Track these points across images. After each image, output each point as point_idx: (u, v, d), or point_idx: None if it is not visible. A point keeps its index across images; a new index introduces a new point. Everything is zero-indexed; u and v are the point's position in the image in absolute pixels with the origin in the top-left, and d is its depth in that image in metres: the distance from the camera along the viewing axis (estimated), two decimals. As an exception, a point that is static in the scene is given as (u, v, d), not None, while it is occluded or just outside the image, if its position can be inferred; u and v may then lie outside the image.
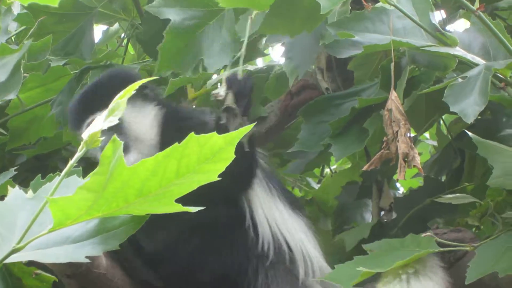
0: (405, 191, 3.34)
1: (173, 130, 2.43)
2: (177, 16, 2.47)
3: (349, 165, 3.40)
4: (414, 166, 2.07)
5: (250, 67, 2.96)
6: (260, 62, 3.39)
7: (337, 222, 3.08)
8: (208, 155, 1.36)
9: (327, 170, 3.71)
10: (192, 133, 1.33)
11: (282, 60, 2.68)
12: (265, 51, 3.04)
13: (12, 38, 3.08)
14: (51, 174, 1.71)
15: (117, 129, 2.23)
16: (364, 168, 2.18)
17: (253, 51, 2.90)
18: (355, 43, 2.20)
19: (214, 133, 1.34)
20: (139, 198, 1.39)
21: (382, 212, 2.83)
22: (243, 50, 2.31)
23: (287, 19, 2.25)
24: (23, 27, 3.03)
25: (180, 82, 2.62)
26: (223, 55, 2.46)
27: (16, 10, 3.01)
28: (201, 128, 2.30)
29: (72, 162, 1.41)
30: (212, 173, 1.38)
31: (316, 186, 3.54)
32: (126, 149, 2.29)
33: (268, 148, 2.89)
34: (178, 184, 1.39)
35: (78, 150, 1.43)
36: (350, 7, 2.33)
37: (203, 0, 2.46)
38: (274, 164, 3.27)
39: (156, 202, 1.41)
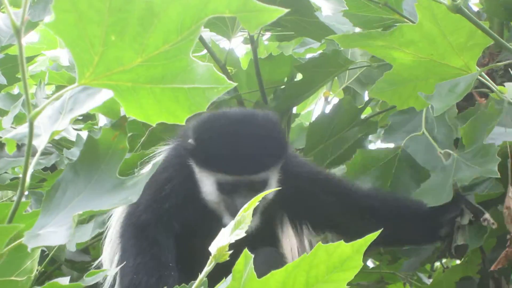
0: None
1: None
2: (366, 182, 2.58)
3: (461, 260, 3.32)
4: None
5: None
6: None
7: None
8: (337, 264, 1.35)
9: (437, 264, 3.64)
10: (320, 242, 1.34)
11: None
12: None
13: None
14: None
15: None
16: (492, 268, 2.14)
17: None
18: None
19: (341, 241, 1.34)
20: (270, 310, 1.39)
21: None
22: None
23: (397, 89, 2.27)
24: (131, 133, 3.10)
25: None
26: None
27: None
28: None
29: (201, 276, 1.42)
30: (341, 282, 1.37)
31: (428, 281, 3.47)
32: None
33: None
34: (308, 295, 1.38)
35: (207, 265, 1.44)
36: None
37: (377, 156, 2.58)
38: (385, 261, 3.26)
39: (286, 314, 1.41)
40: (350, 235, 2.29)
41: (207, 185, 2.36)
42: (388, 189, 2.62)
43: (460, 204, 2.43)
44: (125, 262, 2.32)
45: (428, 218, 2.47)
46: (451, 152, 2.38)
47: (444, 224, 2.46)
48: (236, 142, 2.30)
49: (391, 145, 2.69)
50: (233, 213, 2.26)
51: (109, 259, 2.44)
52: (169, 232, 2.37)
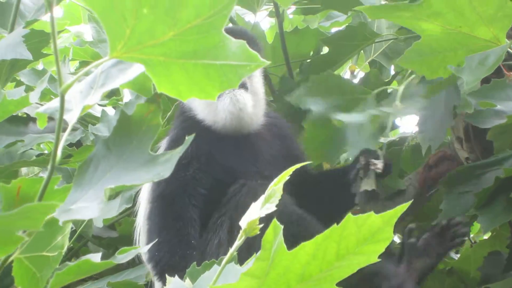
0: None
1: None
2: (319, 106, 2.52)
3: (489, 234, 3.31)
4: None
5: (383, 139, 2.95)
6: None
7: (482, 294, 2.99)
8: (367, 236, 1.34)
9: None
10: (350, 214, 1.33)
11: (415, 130, 2.69)
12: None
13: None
14: (207, 262, 1.73)
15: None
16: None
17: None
18: (498, 113, 2.18)
19: (372, 213, 1.33)
20: (300, 283, 1.38)
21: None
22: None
23: (427, 59, 2.25)
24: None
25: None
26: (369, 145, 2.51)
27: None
28: None
29: (232, 250, 1.43)
30: (372, 254, 1.36)
31: (455, 256, 3.46)
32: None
33: (408, 221, 2.86)
34: (338, 267, 1.37)
35: (237, 239, 1.44)
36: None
37: (346, 88, 2.50)
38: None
39: (317, 287, 1.40)
40: None
41: None
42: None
43: (360, 157, 2.51)
44: (149, 238, 2.37)
45: (340, 182, 2.59)
46: None
47: (352, 181, 2.54)
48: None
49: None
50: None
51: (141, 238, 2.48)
52: (194, 202, 2.40)
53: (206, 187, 2.46)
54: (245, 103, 2.50)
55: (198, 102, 2.58)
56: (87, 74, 1.47)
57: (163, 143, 2.61)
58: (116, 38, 1.32)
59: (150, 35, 1.32)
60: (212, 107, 2.53)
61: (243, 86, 2.53)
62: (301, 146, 2.74)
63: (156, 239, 2.33)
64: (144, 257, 2.40)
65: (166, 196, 2.41)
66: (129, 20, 1.30)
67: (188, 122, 2.60)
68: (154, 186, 2.44)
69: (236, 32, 2.63)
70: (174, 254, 2.32)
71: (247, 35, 2.71)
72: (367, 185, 2.43)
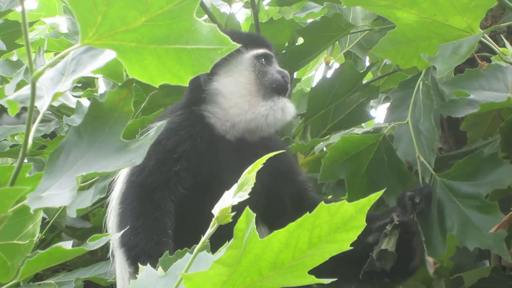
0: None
1: None
2: (346, 171, 2.61)
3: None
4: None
5: (357, 131, 2.96)
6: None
7: (454, 283, 3.00)
8: (340, 224, 1.34)
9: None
10: (323, 202, 1.33)
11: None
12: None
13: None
14: (179, 250, 1.73)
15: None
16: (492, 230, 2.14)
17: (360, 114, 2.94)
18: (471, 102, 2.19)
19: (344, 201, 1.33)
20: (272, 271, 1.38)
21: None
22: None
23: (401, 48, 2.26)
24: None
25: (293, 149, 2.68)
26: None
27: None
28: None
29: (204, 238, 1.42)
30: (344, 242, 1.36)
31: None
32: None
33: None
34: (311, 255, 1.37)
35: (210, 227, 1.44)
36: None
37: (359, 142, 2.58)
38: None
39: (289, 274, 1.39)
40: None
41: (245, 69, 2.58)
42: (363, 174, 2.62)
43: (392, 211, 2.46)
44: (125, 223, 2.35)
45: None
46: (432, 171, 2.38)
47: (373, 230, 2.48)
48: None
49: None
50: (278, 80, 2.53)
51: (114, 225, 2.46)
52: (173, 197, 2.39)
53: (186, 188, 2.44)
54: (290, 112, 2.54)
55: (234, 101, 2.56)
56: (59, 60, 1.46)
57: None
58: (87, 25, 1.31)
59: (121, 21, 1.31)
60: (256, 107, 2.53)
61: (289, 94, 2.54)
62: (292, 158, 2.74)
63: (132, 225, 2.32)
64: (116, 243, 2.37)
65: (147, 185, 2.39)
66: (100, 7, 1.29)
67: (194, 116, 2.56)
68: (135, 172, 2.41)
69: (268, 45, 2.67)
70: (150, 240, 2.30)
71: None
72: (389, 245, 2.39)
